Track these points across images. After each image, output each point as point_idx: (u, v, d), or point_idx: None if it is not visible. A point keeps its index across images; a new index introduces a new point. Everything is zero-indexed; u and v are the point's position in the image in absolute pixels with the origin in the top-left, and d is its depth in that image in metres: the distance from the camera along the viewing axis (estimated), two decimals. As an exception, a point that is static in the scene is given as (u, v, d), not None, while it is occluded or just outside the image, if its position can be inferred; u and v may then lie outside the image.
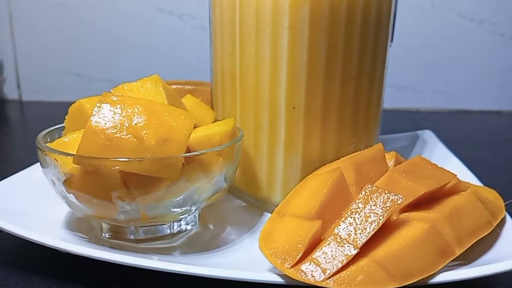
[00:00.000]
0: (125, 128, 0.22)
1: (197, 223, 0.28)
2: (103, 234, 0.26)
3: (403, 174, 0.23)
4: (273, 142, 0.29)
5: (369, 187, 0.21)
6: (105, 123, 0.22)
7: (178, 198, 0.24)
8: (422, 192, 0.22)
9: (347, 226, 0.20)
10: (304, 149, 0.29)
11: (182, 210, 0.25)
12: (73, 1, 0.68)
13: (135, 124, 0.22)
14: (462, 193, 0.24)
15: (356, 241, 0.20)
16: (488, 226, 0.23)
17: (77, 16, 0.69)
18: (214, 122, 0.31)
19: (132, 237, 0.26)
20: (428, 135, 0.41)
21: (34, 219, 0.27)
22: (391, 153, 0.28)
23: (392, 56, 0.72)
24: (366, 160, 0.25)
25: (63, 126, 0.28)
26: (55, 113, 0.26)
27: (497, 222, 0.24)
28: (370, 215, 0.20)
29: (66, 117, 0.27)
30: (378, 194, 0.21)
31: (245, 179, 0.32)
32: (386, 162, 0.27)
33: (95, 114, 0.22)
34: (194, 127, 0.29)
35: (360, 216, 0.21)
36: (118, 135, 0.22)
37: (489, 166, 0.44)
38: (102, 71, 0.71)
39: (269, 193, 0.30)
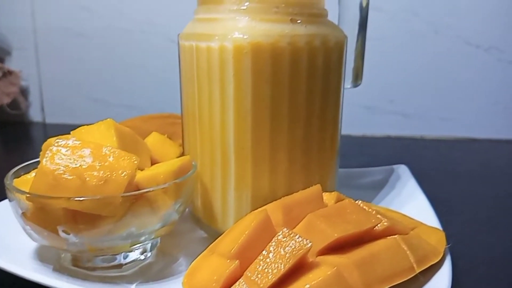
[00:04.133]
0: (70, 169, 0.25)
1: (152, 253, 0.31)
2: (65, 262, 0.29)
3: (322, 218, 0.24)
4: (225, 179, 0.31)
5: (283, 231, 0.23)
6: (54, 165, 0.25)
7: (124, 232, 0.27)
8: (335, 236, 0.23)
9: (257, 268, 0.22)
10: (253, 187, 0.31)
11: (130, 242, 0.28)
12: (92, 32, 0.74)
13: (80, 166, 0.25)
14: (389, 237, 0.25)
15: (263, 283, 0.21)
16: (409, 272, 0.24)
17: (95, 46, 0.75)
18: (178, 157, 0.33)
19: (88, 265, 0.28)
20: (402, 170, 0.42)
21: (9, 247, 0.30)
22: (333, 193, 0.29)
23: (397, 84, 0.73)
24: (298, 201, 0.27)
25: (39, 161, 0.31)
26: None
27: (424, 268, 0.25)
28: (278, 258, 0.22)
29: (40, 153, 0.31)
30: (289, 238, 0.22)
31: (205, 211, 0.34)
32: (323, 202, 0.28)
33: (47, 157, 0.25)
34: (156, 163, 0.32)
35: (270, 259, 0.22)
36: (64, 176, 0.24)
37: (471, 201, 0.44)
38: (118, 97, 0.76)
39: (223, 226, 0.32)
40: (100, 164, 0.25)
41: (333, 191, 0.34)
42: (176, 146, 0.34)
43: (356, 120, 0.72)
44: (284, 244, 0.22)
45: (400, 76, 0.70)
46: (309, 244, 0.22)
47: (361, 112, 0.72)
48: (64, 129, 0.30)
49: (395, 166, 0.43)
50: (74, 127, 0.29)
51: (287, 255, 0.22)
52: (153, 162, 0.32)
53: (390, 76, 0.70)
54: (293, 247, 0.22)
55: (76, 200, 0.24)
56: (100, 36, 0.74)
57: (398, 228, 0.27)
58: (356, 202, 0.27)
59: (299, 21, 0.29)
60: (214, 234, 0.33)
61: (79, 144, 0.26)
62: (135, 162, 0.26)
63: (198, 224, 0.35)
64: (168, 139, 0.34)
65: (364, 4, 0.36)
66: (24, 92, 0.77)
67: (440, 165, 0.58)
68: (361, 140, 0.71)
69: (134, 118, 0.42)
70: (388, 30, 0.67)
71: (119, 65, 0.75)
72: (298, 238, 0.22)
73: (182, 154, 0.35)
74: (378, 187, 0.40)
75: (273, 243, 0.22)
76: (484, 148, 0.68)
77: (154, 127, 0.41)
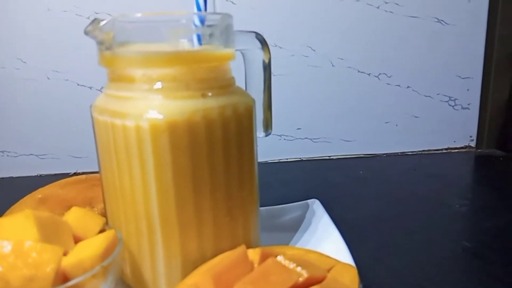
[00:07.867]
0: (-9, 274, 0.24)
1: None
2: None
3: (249, 286, 0.26)
4: (153, 247, 0.32)
5: (214, 307, 0.24)
6: (-28, 271, 0.24)
7: (54, 323, 0.26)
8: (265, 303, 0.25)
9: None
10: (182, 253, 0.32)
11: (61, 331, 0.27)
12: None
13: (2, 267, 0.24)
14: (311, 288, 0.28)
15: None
16: (328, 321, 0.27)
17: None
18: (101, 231, 0.33)
19: None
20: (316, 205, 0.45)
21: None
22: (256, 250, 0.31)
23: (302, 113, 0.78)
24: (226, 267, 0.28)
25: None
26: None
27: (341, 311, 0.28)
28: (214, 334, 0.24)
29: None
30: (221, 312, 0.24)
31: (135, 279, 0.34)
32: (249, 262, 0.30)
33: (-38, 263, 0.24)
34: (79, 241, 0.31)
35: (206, 335, 0.24)
36: (-16, 281, 0.24)
37: (376, 224, 0.49)
38: (27, 146, 0.73)
39: (155, 293, 0.33)
40: (23, 262, 0.25)
41: (257, 242, 0.37)
42: (98, 217, 0.34)
43: (271, 148, 0.76)
44: (217, 318, 0.24)
45: (305, 106, 0.75)
46: (241, 316, 0.24)
47: (274, 140, 0.76)
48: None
49: (309, 201, 0.46)
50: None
51: (221, 329, 0.23)
52: (76, 240, 0.31)
53: (296, 106, 0.75)
54: (226, 320, 0.24)
55: (1, 306, 0.23)
56: (2, 86, 0.70)
57: (316, 275, 0.30)
58: (278, 257, 0.30)
59: (210, 95, 0.31)
60: (147, 300, 0.34)
61: (-2, 243, 0.25)
62: (60, 253, 0.26)
63: (129, 291, 0.35)
64: (88, 211, 0.34)
65: (266, 61, 0.40)
66: None
67: (346, 186, 0.63)
68: (277, 165, 0.76)
69: (50, 185, 0.41)
70: (291, 65, 0.72)
71: (25, 114, 0.72)
72: (229, 311, 0.24)
73: (106, 222, 0.35)
74: (296, 225, 0.43)
75: (207, 319, 0.24)
76: (382, 163, 0.76)
77: (72, 192, 0.40)
